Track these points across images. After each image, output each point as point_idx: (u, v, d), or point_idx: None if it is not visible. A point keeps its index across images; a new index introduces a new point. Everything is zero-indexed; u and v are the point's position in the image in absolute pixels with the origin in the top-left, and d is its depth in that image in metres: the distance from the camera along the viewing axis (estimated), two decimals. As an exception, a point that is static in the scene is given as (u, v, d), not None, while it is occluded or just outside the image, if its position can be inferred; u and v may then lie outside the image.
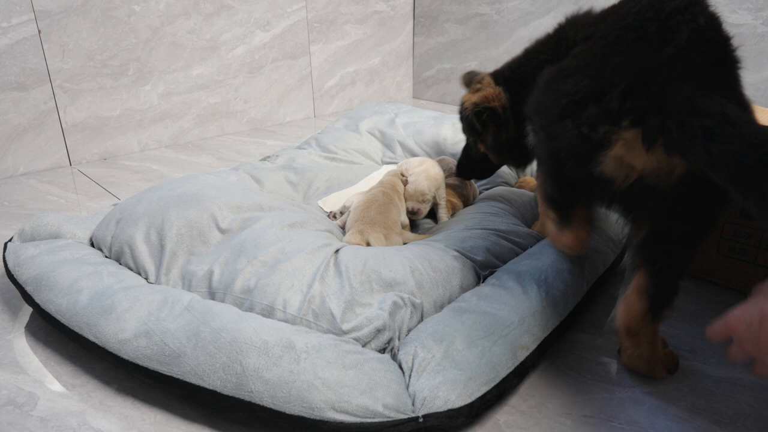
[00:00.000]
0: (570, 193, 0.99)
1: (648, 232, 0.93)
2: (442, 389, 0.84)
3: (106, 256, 1.22)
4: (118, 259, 1.20)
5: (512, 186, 1.67)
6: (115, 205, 1.35)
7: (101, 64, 2.12)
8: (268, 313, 1.01)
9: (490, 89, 1.33)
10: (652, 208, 0.90)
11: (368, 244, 1.23)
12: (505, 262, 1.21)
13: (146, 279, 1.15)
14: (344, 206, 1.45)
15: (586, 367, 1.02)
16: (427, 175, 1.44)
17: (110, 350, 0.95)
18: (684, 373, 1.00)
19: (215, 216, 1.21)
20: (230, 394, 0.86)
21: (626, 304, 0.96)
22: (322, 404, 0.81)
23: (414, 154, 1.85)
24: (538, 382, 0.98)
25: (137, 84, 2.23)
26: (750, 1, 2.06)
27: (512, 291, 1.05)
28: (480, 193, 1.64)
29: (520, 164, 1.45)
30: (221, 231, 1.19)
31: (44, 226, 1.26)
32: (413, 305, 1.03)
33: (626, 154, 0.85)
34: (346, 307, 1.00)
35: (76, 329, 0.99)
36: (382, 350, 0.96)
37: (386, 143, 1.92)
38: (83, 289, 1.04)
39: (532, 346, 0.96)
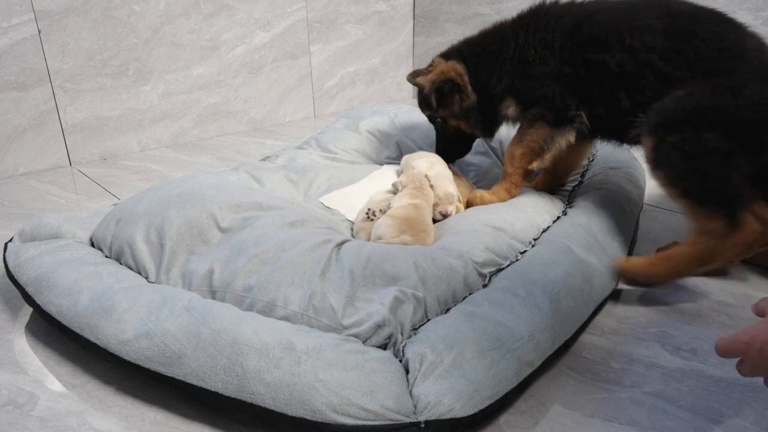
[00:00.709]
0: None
1: None
2: (448, 397, 0.84)
3: (107, 256, 1.22)
4: (119, 259, 1.20)
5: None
6: (115, 205, 1.35)
7: (101, 64, 2.12)
8: (269, 309, 1.01)
9: (443, 65, 1.48)
10: None
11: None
12: (506, 259, 1.22)
13: (146, 278, 1.15)
14: (380, 207, 1.42)
15: (586, 367, 1.02)
16: (446, 175, 1.46)
17: (111, 351, 0.95)
18: (684, 373, 1.00)
19: (215, 215, 1.21)
20: (232, 396, 0.86)
21: None
22: (323, 406, 0.81)
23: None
24: (538, 382, 0.98)
25: (137, 84, 2.23)
26: (750, 1, 2.06)
27: (524, 301, 1.03)
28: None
29: (487, 129, 1.54)
30: (221, 230, 1.19)
31: (44, 226, 1.26)
32: (416, 300, 1.02)
33: None
34: (347, 302, 1.00)
35: (77, 330, 0.99)
36: (383, 346, 0.96)
37: (386, 143, 1.92)
38: (83, 290, 1.04)
39: (537, 363, 0.96)
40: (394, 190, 1.44)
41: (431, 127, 1.97)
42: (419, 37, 3.13)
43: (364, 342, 0.95)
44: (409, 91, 3.27)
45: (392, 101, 3.17)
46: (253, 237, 1.15)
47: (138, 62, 2.21)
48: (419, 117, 2.03)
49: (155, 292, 1.03)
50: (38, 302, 1.07)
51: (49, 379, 1.00)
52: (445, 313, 1.05)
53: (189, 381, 0.88)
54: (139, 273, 1.16)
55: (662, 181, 1.18)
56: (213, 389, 0.87)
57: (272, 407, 0.83)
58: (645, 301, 1.22)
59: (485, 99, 1.46)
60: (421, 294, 1.03)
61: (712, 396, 0.95)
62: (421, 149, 1.88)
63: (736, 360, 0.78)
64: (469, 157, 1.83)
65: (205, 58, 2.39)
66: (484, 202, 1.47)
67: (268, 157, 1.86)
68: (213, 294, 1.08)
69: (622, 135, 1.35)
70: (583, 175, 1.65)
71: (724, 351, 0.74)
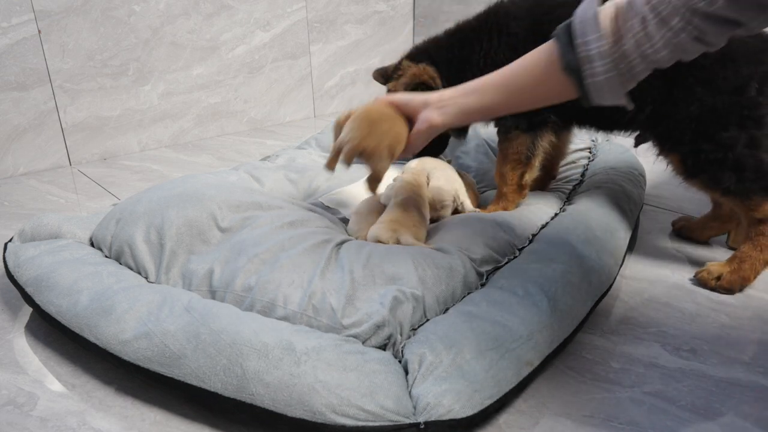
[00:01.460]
0: None
1: None
2: (447, 398, 0.83)
3: (106, 256, 1.22)
4: (118, 259, 1.20)
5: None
6: (115, 205, 1.35)
7: (101, 64, 2.12)
8: (269, 309, 1.01)
9: (414, 68, 1.44)
10: None
11: (398, 242, 1.24)
12: (504, 256, 1.22)
13: (146, 278, 1.15)
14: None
15: (586, 367, 1.02)
16: (447, 178, 1.44)
17: (111, 351, 0.95)
18: (684, 373, 1.00)
19: (215, 215, 1.21)
20: (231, 397, 0.86)
21: None
22: (323, 407, 0.81)
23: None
24: (538, 382, 0.98)
25: (137, 84, 2.23)
26: (750, 1, 2.06)
27: (522, 300, 1.03)
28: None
29: (460, 130, 1.54)
30: (221, 230, 1.19)
31: (44, 226, 1.26)
32: (415, 299, 1.02)
33: None
34: (347, 301, 1.00)
35: (77, 330, 0.99)
36: (383, 346, 0.96)
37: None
38: (83, 290, 1.04)
39: (536, 363, 0.96)
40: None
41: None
42: (419, 37, 3.13)
43: (363, 342, 0.95)
44: (409, 91, 3.27)
45: (392, 101, 3.16)
46: (253, 237, 1.15)
47: (138, 62, 2.21)
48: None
49: (155, 292, 1.03)
50: (38, 302, 1.07)
51: (49, 379, 1.00)
52: (444, 312, 1.05)
53: (189, 381, 0.88)
54: (139, 273, 1.16)
55: (700, 187, 1.23)
56: (212, 390, 0.87)
57: (272, 408, 0.83)
58: (645, 301, 1.22)
59: None
60: (420, 294, 1.03)
61: (712, 396, 0.95)
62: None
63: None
64: (469, 159, 1.84)
65: (205, 58, 2.39)
66: None
67: (268, 157, 1.86)
68: (213, 294, 1.08)
69: (596, 123, 1.38)
70: (583, 174, 1.66)
71: None
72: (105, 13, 2.09)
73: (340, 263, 1.08)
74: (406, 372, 0.90)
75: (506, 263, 1.19)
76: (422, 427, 0.81)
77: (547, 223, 1.36)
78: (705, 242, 1.45)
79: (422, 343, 0.93)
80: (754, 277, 1.24)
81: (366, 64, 2.99)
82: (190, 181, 1.34)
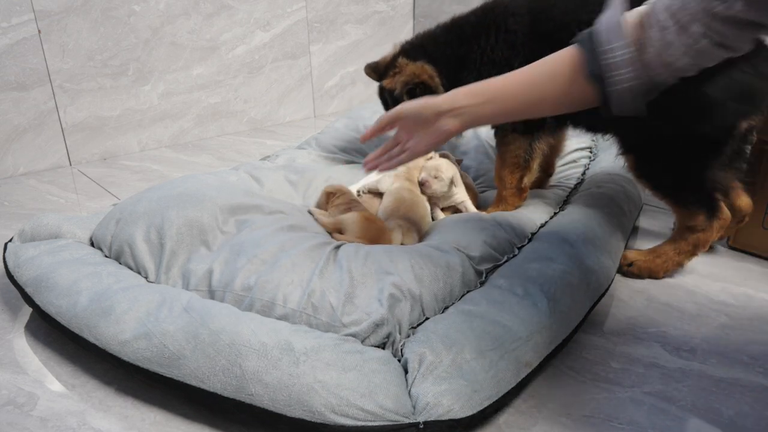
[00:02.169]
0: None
1: None
2: (447, 398, 0.83)
3: (106, 256, 1.22)
4: (118, 259, 1.20)
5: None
6: (115, 205, 1.35)
7: (101, 64, 2.12)
8: (268, 308, 1.01)
9: (412, 67, 1.42)
10: None
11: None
12: (504, 254, 1.21)
13: (146, 278, 1.15)
14: (368, 187, 1.46)
15: (586, 367, 1.02)
16: (448, 162, 1.45)
17: (111, 352, 0.95)
18: (684, 373, 1.00)
19: (215, 216, 1.21)
20: (231, 397, 0.86)
21: None
22: (322, 407, 0.81)
23: (414, 154, 1.84)
24: (538, 382, 0.98)
25: (137, 84, 2.23)
26: (750, 1, 2.06)
27: (522, 300, 1.04)
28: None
29: None
30: (221, 230, 1.19)
31: (44, 227, 1.26)
32: (413, 297, 1.02)
33: None
34: (346, 299, 1.00)
35: (77, 331, 0.99)
36: (382, 345, 0.96)
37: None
38: (83, 290, 1.04)
39: (535, 363, 0.96)
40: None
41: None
42: (419, 36, 3.13)
43: (362, 341, 0.95)
44: (409, 91, 3.27)
45: (392, 101, 3.16)
46: (252, 238, 1.15)
47: (138, 62, 2.21)
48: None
49: (154, 292, 1.03)
50: (38, 303, 1.07)
51: (48, 379, 1.00)
52: (443, 311, 1.05)
53: (188, 382, 0.88)
54: (139, 273, 1.16)
55: (646, 187, 1.28)
56: (212, 390, 0.87)
57: (271, 408, 0.83)
58: (645, 301, 1.22)
59: None
60: (417, 292, 1.03)
61: (712, 396, 0.95)
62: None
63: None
64: (469, 159, 1.84)
65: (205, 58, 2.39)
66: None
67: (268, 157, 1.86)
68: (212, 294, 1.08)
69: (587, 122, 1.38)
70: (583, 174, 1.66)
71: None
72: (105, 13, 2.09)
73: (339, 263, 1.08)
74: (406, 371, 0.90)
75: (506, 262, 1.20)
76: (421, 427, 0.81)
77: (546, 221, 1.37)
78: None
79: (422, 343, 0.93)
80: (662, 274, 1.30)
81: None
82: (190, 181, 1.34)
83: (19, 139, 2.01)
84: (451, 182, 1.42)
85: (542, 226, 1.34)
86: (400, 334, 0.98)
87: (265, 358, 0.86)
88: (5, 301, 1.23)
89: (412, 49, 1.47)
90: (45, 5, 1.95)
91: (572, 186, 1.59)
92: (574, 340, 1.08)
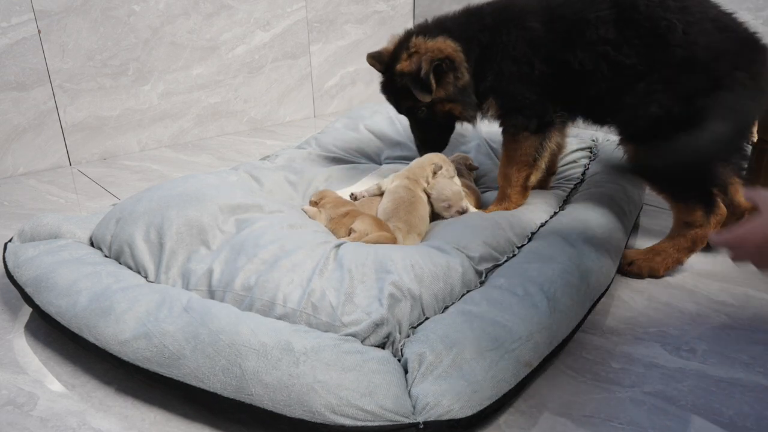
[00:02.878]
0: None
1: None
2: (446, 398, 0.84)
3: (106, 256, 1.22)
4: (118, 258, 1.20)
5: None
6: (114, 204, 1.35)
7: (101, 64, 2.12)
8: (268, 308, 1.01)
9: (432, 43, 1.36)
10: None
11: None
12: (504, 254, 1.21)
13: (146, 278, 1.15)
14: (366, 191, 1.46)
15: (586, 367, 1.02)
16: (447, 182, 1.43)
17: (110, 352, 0.95)
18: (684, 373, 1.00)
19: (215, 215, 1.21)
20: (230, 397, 0.86)
21: None
22: (322, 408, 0.81)
23: (415, 155, 1.84)
24: (537, 382, 0.98)
25: (137, 84, 2.23)
26: (750, 1, 2.06)
27: (522, 300, 1.04)
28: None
29: (475, 109, 1.44)
30: (221, 230, 1.19)
31: (44, 226, 1.26)
32: (413, 297, 1.02)
33: None
34: (346, 299, 1.00)
35: (76, 331, 0.99)
36: (382, 345, 0.96)
37: (386, 143, 1.92)
38: (82, 290, 1.04)
39: (535, 363, 0.96)
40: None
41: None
42: (419, 36, 3.13)
43: (362, 341, 0.95)
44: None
45: (392, 101, 3.16)
46: (253, 237, 1.15)
47: (138, 62, 2.21)
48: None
49: (154, 292, 1.03)
50: (37, 303, 1.07)
51: (48, 379, 1.00)
52: (443, 311, 1.05)
53: (188, 382, 0.88)
54: (139, 272, 1.16)
55: (645, 180, 1.30)
56: (212, 390, 0.87)
57: (271, 408, 0.83)
58: (645, 301, 1.22)
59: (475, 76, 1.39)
60: (417, 292, 1.03)
61: (712, 396, 0.95)
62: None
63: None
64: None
65: (204, 58, 2.39)
66: None
67: (268, 156, 1.86)
68: (212, 294, 1.08)
69: (596, 118, 1.38)
70: (584, 173, 1.65)
71: (720, 243, 0.79)
72: (105, 13, 2.09)
73: (339, 263, 1.08)
74: (406, 371, 0.90)
75: (506, 262, 1.19)
76: (421, 427, 0.81)
77: (546, 221, 1.36)
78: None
79: (422, 343, 0.93)
80: (663, 271, 1.30)
81: (366, 64, 2.97)
82: (190, 181, 1.34)
83: (18, 139, 2.01)
84: (461, 197, 1.41)
85: (542, 225, 1.34)
86: (400, 333, 0.98)
87: (265, 358, 0.86)
88: (5, 301, 1.23)
89: (428, 29, 1.41)
90: (45, 5, 1.95)
91: (572, 186, 1.59)
92: (574, 340, 1.08)
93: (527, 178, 1.42)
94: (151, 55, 2.23)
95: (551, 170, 1.62)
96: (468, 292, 1.11)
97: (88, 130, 2.16)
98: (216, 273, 1.10)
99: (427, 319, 1.03)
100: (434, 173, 1.42)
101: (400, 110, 1.52)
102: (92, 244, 1.26)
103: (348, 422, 0.81)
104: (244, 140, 2.46)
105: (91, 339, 0.97)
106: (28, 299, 1.10)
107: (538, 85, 1.32)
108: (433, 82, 1.35)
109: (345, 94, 2.96)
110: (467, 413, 0.84)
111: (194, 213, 1.20)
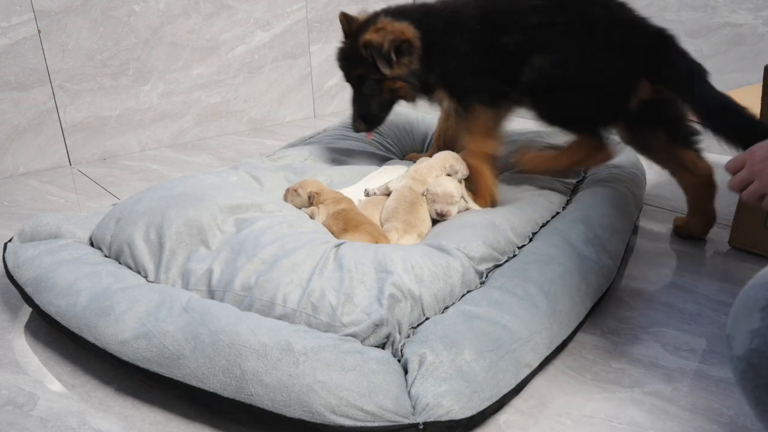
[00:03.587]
0: None
1: None
2: (446, 398, 0.83)
3: (106, 256, 1.22)
4: (118, 258, 1.20)
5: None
6: (114, 204, 1.35)
7: (101, 64, 2.12)
8: (268, 308, 1.01)
9: (397, 25, 1.48)
10: None
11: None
12: (504, 254, 1.21)
13: (146, 278, 1.15)
14: (378, 188, 1.48)
15: (586, 367, 1.02)
16: (449, 180, 1.43)
17: (110, 351, 0.95)
18: (684, 373, 1.00)
19: (215, 215, 1.21)
20: (230, 397, 0.86)
21: None
22: (322, 408, 0.81)
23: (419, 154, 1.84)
24: (538, 382, 0.98)
25: (137, 84, 2.23)
26: (750, 1, 2.06)
27: (522, 301, 1.03)
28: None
29: (418, 93, 1.57)
30: (221, 230, 1.19)
31: (44, 226, 1.26)
32: (413, 297, 1.02)
33: None
34: (346, 299, 1.00)
35: (76, 331, 0.99)
36: (382, 345, 0.96)
37: (386, 143, 1.92)
38: (82, 290, 1.04)
39: (535, 364, 0.96)
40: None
41: (430, 127, 1.97)
42: (419, 36, 3.13)
43: (362, 341, 0.94)
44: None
45: (392, 101, 3.15)
46: (252, 237, 1.15)
47: (138, 62, 2.21)
48: (418, 116, 2.04)
49: (154, 291, 1.03)
50: (37, 303, 1.07)
51: (48, 379, 1.01)
52: (443, 311, 1.05)
53: (188, 382, 0.88)
54: (138, 272, 1.16)
55: (548, 124, 1.48)
56: (212, 390, 0.87)
57: (271, 408, 0.83)
58: (645, 301, 1.22)
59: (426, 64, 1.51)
60: (417, 292, 1.03)
61: (712, 396, 0.95)
62: (417, 151, 1.88)
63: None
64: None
65: (204, 58, 2.39)
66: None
67: (268, 156, 1.85)
68: (212, 293, 1.08)
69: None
70: (585, 173, 1.65)
71: (733, 167, 0.87)
72: (105, 13, 2.09)
73: (339, 262, 1.08)
74: (406, 371, 0.90)
75: (506, 262, 1.19)
76: (421, 427, 0.81)
77: (547, 221, 1.36)
78: (704, 238, 1.47)
79: (422, 343, 0.93)
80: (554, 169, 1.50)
81: (366, 64, 2.99)
82: (190, 180, 1.34)
83: (18, 139, 2.01)
84: (462, 198, 1.41)
85: (543, 225, 1.34)
86: (400, 334, 0.98)
87: (264, 358, 0.86)
88: (5, 301, 1.23)
89: (393, 14, 1.53)
90: (45, 5, 1.95)
91: (573, 185, 1.59)
92: (574, 340, 1.08)
93: (486, 144, 1.48)
94: (151, 55, 2.24)
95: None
96: (468, 292, 1.11)
97: (88, 130, 2.16)
98: (216, 273, 1.10)
99: (427, 319, 1.03)
100: (447, 175, 1.45)
101: (348, 78, 1.64)
102: (92, 244, 1.26)
103: (348, 422, 0.81)
104: (244, 140, 2.46)
105: (91, 339, 0.97)
106: (28, 299, 1.10)
107: (480, 71, 1.45)
108: (394, 57, 1.48)
109: (345, 94, 2.96)
110: (467, 414, 0.84)
111: (194, 213, 1.20)
